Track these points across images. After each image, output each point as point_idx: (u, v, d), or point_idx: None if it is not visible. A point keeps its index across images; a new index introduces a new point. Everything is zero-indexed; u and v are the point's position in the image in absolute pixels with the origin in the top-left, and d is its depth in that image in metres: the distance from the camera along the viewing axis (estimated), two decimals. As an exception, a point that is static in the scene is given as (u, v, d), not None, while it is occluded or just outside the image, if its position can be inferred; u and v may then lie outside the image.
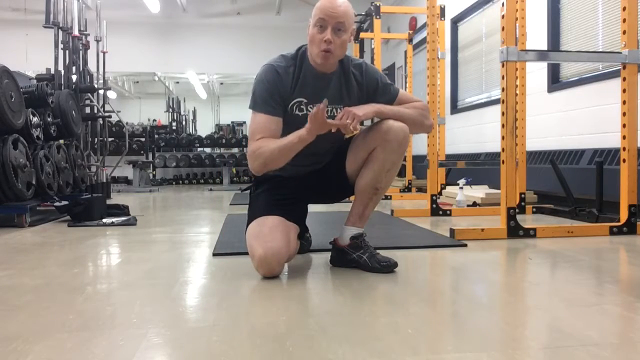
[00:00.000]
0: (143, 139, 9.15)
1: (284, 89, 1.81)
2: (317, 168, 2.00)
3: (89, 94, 5.37)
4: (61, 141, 4.43)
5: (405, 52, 7.27)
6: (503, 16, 2.60)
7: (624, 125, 2.68)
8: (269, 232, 1.74)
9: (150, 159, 8.82)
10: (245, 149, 9.34)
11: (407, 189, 5.78)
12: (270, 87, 1.79)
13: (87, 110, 5.50)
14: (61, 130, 4.17)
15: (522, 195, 3.71)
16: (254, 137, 1.78)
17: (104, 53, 6.34)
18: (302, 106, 1.84)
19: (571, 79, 4.25)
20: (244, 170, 9.13)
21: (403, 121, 1.83)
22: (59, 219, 3.59)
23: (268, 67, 1.82)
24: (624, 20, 2.68)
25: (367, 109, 1.80)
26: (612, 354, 1.08)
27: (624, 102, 2.68)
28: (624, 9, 2.68)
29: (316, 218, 2.84)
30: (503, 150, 2.64)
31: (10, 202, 3.29)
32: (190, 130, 12.05)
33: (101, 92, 6.20)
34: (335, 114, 1.83)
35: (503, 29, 2.60)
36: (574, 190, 3.45)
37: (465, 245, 2.40)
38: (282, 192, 1.93)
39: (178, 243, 2.66)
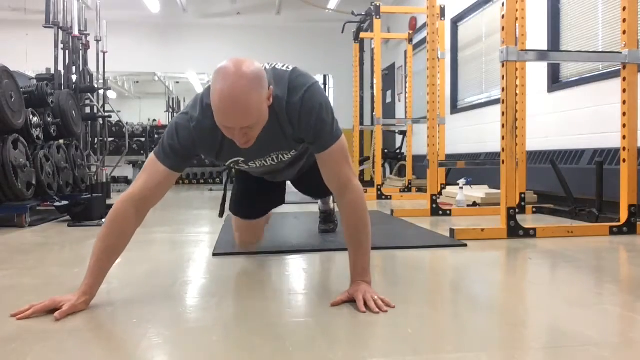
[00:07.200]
0: (143, 139, 9.15)
1: (200, 146, 1.55)
2: (289, 178, 2.17)
3: (89, 94, 5.36)
4: (61, 141, 4.43)
5: (405, 52, 7.27)
6: (503, 16, 2.60)
7: (624, 125, 2.68)
8: (245, 230, 2.21)
9: (150, 159, 8.81)
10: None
11: (407, 188, 5.78)
12: (176, 148, 1.52)
13: (87, 110, 5.50)
14: (61, 130, 4.17)
15: (522, 195, 3.71)
16: (140, 175, 1.55)
17: (104, 53, 6.33)
18: (241, 164, 1.71)
19: (571, 79, 4.25)
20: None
21: (368, 233, 1.53)
22: (59, 219, 3.59)
23: (182, 123, 1.52)
24: (624, 20, 2.68)
25: (365, 286, 1.46)
26: (612, 354, 1.08)
27: (624, 102, 2.68)
28: (624, 9, 2.68)
29: (315, 218, 2.84)
30: (503, 150, 2.64)
31: (10, 202, 3.29)
32: (190, 130, 12.04)
33: (101, 92, 6.19)
34: (282, 159, 1.72)
35: (503, 29, 2.60)
36: (574, 190, 3.45)
37: (465, 245, 2.40)
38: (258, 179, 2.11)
39: (178, 243, 2.66)
